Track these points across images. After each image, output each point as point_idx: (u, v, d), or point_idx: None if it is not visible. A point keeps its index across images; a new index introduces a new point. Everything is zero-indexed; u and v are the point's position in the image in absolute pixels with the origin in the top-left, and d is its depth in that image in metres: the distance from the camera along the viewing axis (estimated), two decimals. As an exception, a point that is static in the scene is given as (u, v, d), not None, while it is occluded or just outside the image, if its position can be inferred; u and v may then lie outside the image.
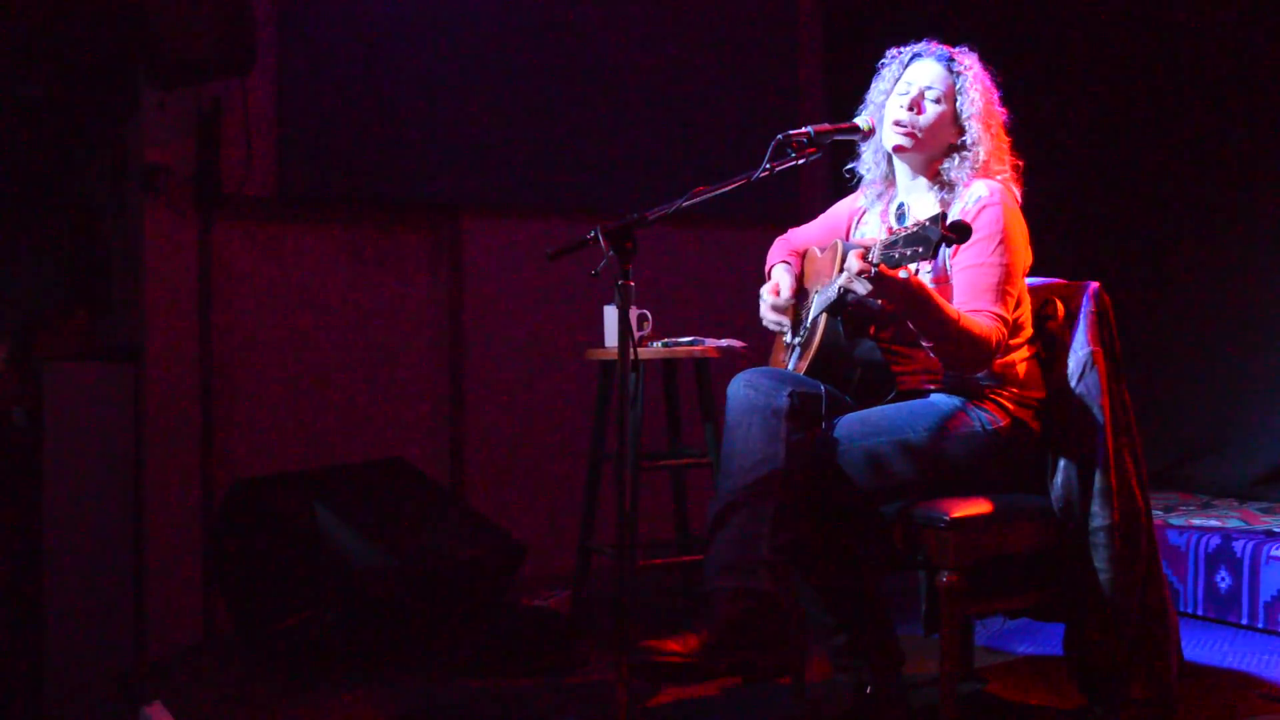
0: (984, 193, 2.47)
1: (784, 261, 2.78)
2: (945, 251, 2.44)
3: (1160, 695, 2.54)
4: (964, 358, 2.37)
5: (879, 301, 2.31)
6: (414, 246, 4.17)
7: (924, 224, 2.11)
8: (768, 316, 2.71)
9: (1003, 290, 2.41)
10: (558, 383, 4.32)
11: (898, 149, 2.56)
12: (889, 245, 2.17)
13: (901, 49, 2.64)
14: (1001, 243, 2.43)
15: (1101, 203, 4.62)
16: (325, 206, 4.00)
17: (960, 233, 2.09)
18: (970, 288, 2.42)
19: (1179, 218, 4.45)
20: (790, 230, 2.90)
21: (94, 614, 2.86)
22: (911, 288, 2.26)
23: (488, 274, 4.26)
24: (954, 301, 2.43)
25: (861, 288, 2.21)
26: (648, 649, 2.25)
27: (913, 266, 2.27)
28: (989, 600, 2.59)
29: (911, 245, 2.12)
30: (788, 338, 2.71)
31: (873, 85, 2.64)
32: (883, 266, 2.18)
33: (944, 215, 2.10)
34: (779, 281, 2.71)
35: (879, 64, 2.65)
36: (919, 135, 2.53)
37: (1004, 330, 2.40)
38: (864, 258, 2.20)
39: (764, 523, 2.33)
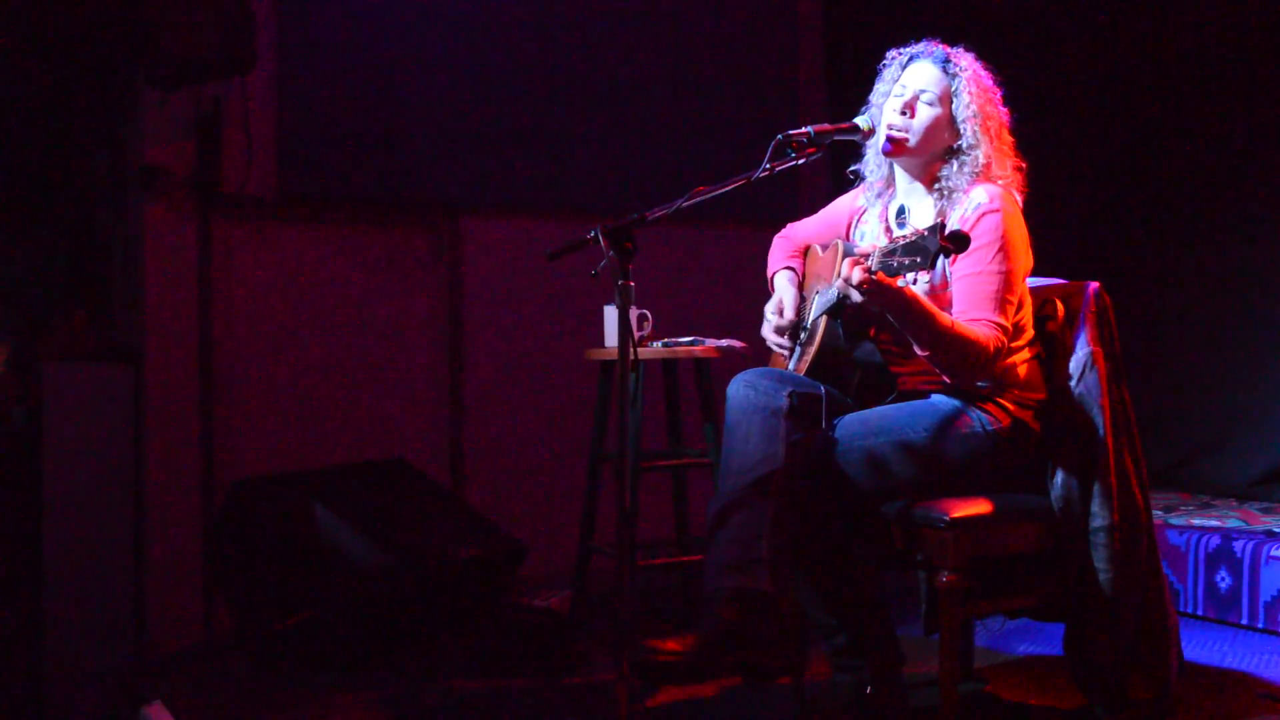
0: (983, 199, 2.46)
1: (787, 268, 2.77)
2: (944, 260, 2.43)
3: (1160, 695, 2.54)
4: (961, 367, 2.37)
5: (877, 308, 2.31)
6: (414, 246, 4.17)
7: (922, 234, 2.10)
8: (770, 336, 2.70)
9: (1002, 298, 2.40)
10: (558, 383, 4.32)
11: (889, 152, 2.55)
12: (887, 254, 2.16)
13: (902, 50, 2.62)
14: (1001, 250, 2.42)
15: (1101, 203, 4.62)
16: (325, 206, 4.00)
17: (958, 243, 2.08)
18: (969, 296, 2.42)
19: (1179, 218, 4.45)
20: (790, 225, 2.89)
21: (94, 614, 2.86)
22: (905, 298, 2.26)
23: (488, 274, 4.26)
24: (954, 309, 2.42)
25: (857, 296, 2.22)
26: (647, 649, 2.25)
27: (910, 275, 2.27)
28: (989, 600, 2.59)
29: (910, 255, 2.12)
30: (786, 355, 2.70)
31: (875, 87, 2.64)
32: (880, 275, 2.18)
33: (942, 225, 2.09)
34: (782, 298, 2.69)
35: (880, 66, 2.64)
36: (910, 138, 2.52)
37: (1003, 339, 2.39)
38: (864, 267, 2.20)
39: (764, 523, 2.33)
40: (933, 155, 2.55)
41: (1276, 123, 4.14)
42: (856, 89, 2.73)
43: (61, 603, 2.78)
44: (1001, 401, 2.49)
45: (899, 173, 2.63)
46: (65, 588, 2.79)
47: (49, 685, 2.75)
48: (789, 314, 2.66)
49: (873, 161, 2.67)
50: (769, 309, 2.70)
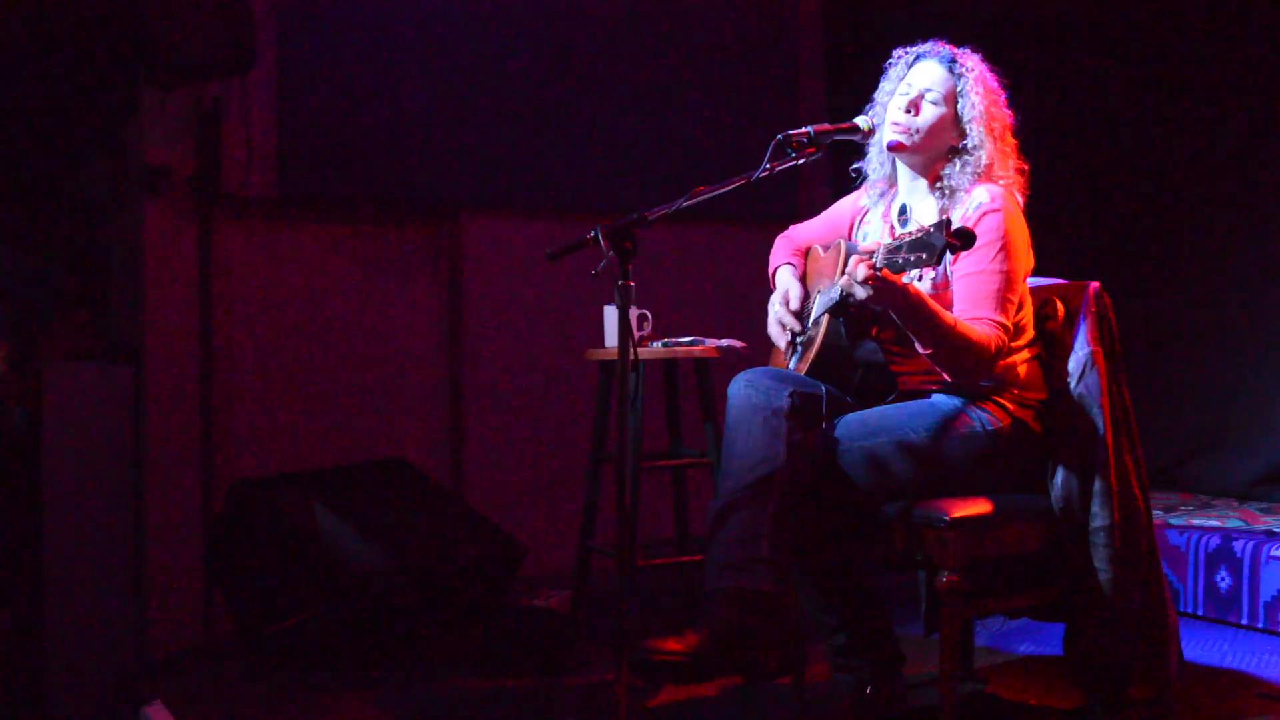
0: (985, 198, 2.46)
1: (788, 263, 2.77)
2: (947, 257, 2.43)
3: (1160, 695, 2.54)
4: (962, 365, 2.37)
5: (881, 305, 2.31)
6: (414, 246, 4.17)
7: (929, 230, 2.11)
8: (773, 329, 2.70)
9: (1003, 297, 2.41)
10: (558, 383, 4.32)
11: (893, 148, 2.55)
12: (892, 250, 2.16)
13: (908, 49, 2.63)
14: (1002, 249, 2.42)
15: (1101, 203, 4.62)
16: (325, 206, 4.00)
17: (964, 240, 2.09)
18: (971, 295, 2.42)
19: (1179, 218, 4.45)
20: (792, 227, 2.89)
21: (94, 614, 2.85)
22: (909, 295, 2.26)
23: (488, 274, 4.26)
24: (955, 308, 2.43)
25: (862, 292, 2.21)
26: (648, 649, 2.25)
27: (915, 272, 2.26)
28: (989, 600, 2.59)
29: (915, 251, 2.12)
30: (786, 351, 2.70)
31: (880, 85, 2.64)
32: (885, 271, 2.18)
33: (948, 222, 2.09)
34: (788, 289, 2.69)
35: (886, 64, 2.65)
36: (915, 136, 2.53)
37: (1004, 338, 2.39)
38: (869, 264, 2.20)
39: (764, 522, 2.33)
40: (936, 154, 2.55)
41: (1276, 122, 4.14)
42: (857, 89, 2.73)
43: (61, 603, 2.77)
44: (1002, 401, 2.49)
45: (901, 171, 2.63)
46: (65, 588, 2.79)
47: (49, 685, 2.75)
48: (795, 304, 2.66)
49: (876, 160, 2.67)
50: (774, 300, 2.70)
